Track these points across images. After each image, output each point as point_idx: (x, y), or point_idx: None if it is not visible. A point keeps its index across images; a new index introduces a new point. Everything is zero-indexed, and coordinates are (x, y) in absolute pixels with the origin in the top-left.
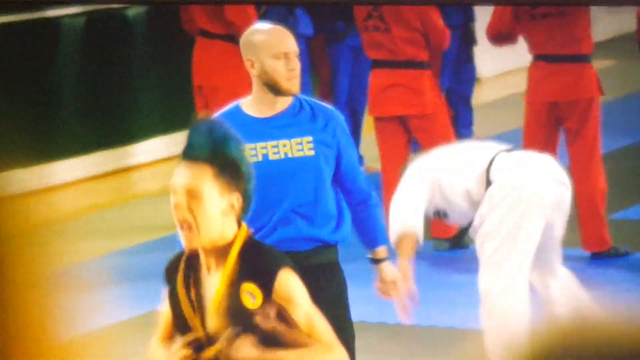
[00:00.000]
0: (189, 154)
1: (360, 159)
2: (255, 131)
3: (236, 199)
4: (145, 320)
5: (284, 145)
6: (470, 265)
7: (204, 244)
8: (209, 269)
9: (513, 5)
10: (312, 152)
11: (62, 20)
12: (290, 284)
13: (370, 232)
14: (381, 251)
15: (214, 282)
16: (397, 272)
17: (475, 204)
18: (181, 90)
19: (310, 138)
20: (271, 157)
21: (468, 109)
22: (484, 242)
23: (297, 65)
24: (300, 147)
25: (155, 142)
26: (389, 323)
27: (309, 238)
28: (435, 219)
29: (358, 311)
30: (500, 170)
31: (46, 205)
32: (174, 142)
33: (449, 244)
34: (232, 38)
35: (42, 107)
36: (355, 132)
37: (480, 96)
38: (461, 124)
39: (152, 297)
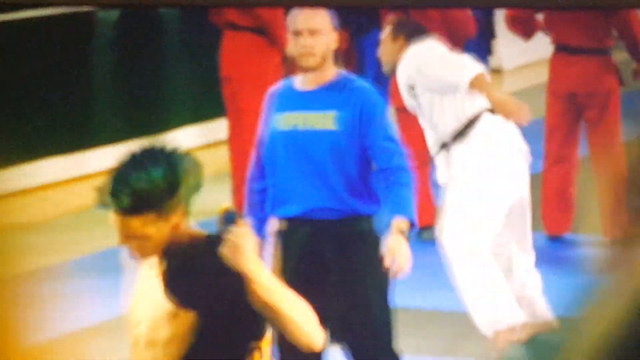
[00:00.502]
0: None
1: None
2: (292, 102)
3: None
4: None
5: (311, 118)
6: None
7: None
8: None
9: (520, 7)
10: (334, 127)
11: (96, 13)
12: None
13: (394, 200)
14: (397, 221)
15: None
16: (397, 248)
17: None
18: (210, 81)
19: (334, 113)
20: (300, 127)
21: None
22: (451, 190)
23: (309, 42)
24: (324, 120)
25: (186, 131)
26: (410, 307)
27: (335, 209)
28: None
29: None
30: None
31: (80, 193)
32: (204, 131)
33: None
34: (260, 30)
35: (77, 98)
36: None
37: (502, 87)
38: None
39: None
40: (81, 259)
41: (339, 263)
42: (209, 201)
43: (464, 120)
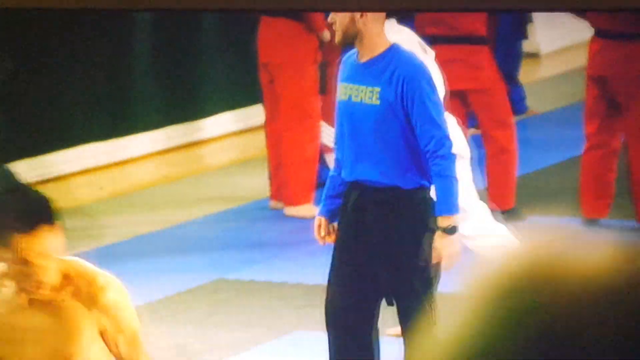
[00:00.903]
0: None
1: None
2: (350, 72)
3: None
4: (211, 288)
5: (361, 91)
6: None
7: None
8: None
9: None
10: (377, 102)
11: None
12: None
13: (437, 196)
14: (439, 220)
15: None
16: (447, 248)
17: None
18: (248, 67)
19: (378, 89)
20: (353, 99)
21: (516, 84)
22: None
23: (333, 19)
24: (370, 95)
25: (224, 117)
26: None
27: (376, 180)
28: None
29: None
30: None
31: (121, 177)
32: (241, 117)
33: (506, 216)
34: (297, 15)
35: (117, 85)
36: None
37: (540, 71)
38: (513, 99)
39: (218, 267)
40: (120, 243)
41: (380, 229)
42: (246, 187)
43: None
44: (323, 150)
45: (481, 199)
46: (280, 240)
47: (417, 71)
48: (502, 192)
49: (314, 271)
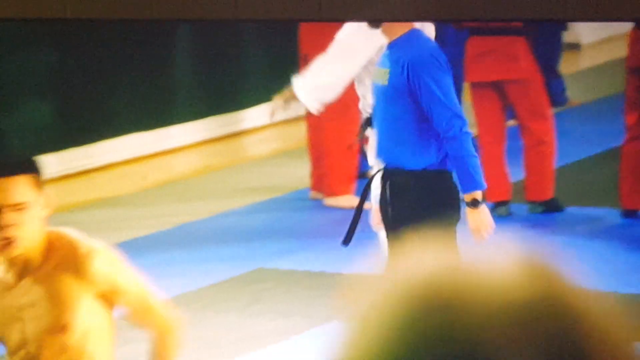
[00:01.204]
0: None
1: None
2: (382, 56)
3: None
4: (251, 277)
5: (379, 72)
6: (566, 227)
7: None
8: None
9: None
10: (386, 83)
11: None
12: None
13: (457, 176)
14: (465, 196)
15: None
16: (473, 221)
17: None
18: (288, 59)
19: (388, 70)
20: (375, 80)
21: (557, 76)
22: None
23: None
24: (383, 76)
25: (264, 108)
26: None
27: (386, 160)
28: None
29: None
30: None
31: (164, 167)
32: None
33: (544, 206)
34: None
35: (160, 78)
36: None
37: (581, 63)
38: (554, 91)
39: (258, 256)
40: (162, 233)
41: (390, 209)
42: (286, 177)
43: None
44: (363, 141)
45: (520, 189)
46: (319, 231)
47: (424, 55)
48: (540, 183)
49: (353, 261)
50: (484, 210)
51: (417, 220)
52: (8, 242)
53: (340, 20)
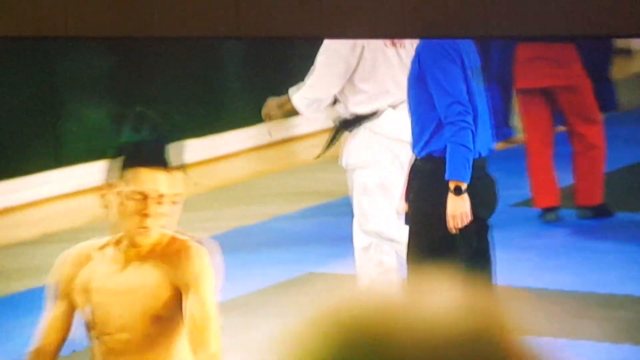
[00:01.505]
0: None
1: (512, 130)
2: None
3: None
4: (301, 281)
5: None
6: (616, 233)
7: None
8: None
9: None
10: (408, 73)
11: None
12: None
13: (447, 159)
14: (450, 182)
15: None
16: (450, 207)
17: None
18: None
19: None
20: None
21: (608, 81)
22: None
23: None
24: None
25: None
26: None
27: (414, 144)
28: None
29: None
30: None
31: (214, 173)
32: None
33: (594, 212)
34: None
35: (212, 85)
36: (507, 105)
37: (632, 68)
38: (604, 97)
39: (311, 260)
40: (214, 237)
41: (412, 190)
42: (336, 182)
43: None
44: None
45: (569, 195)
46: None
47: (434, 43)
48: (589, 188)
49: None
50: (465, 199)
51: (428, 206)
52: (146, 230)
53: (343, 37)
